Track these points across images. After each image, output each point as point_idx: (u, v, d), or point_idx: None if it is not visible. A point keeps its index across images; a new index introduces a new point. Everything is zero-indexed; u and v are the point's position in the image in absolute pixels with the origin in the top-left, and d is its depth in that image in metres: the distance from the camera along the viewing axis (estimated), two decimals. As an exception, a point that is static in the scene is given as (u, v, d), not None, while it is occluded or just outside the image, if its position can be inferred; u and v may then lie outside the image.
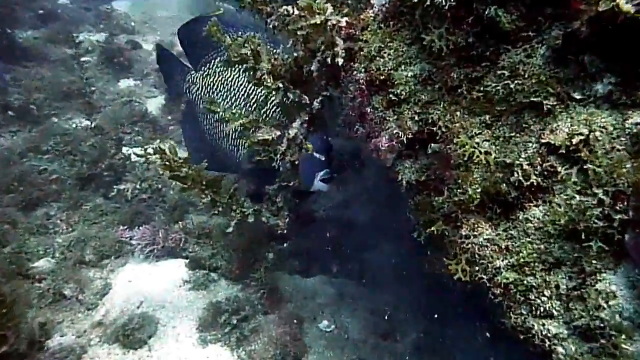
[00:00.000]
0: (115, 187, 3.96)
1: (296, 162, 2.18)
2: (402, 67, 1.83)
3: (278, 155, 2.18)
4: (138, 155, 2.30)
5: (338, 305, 3.32)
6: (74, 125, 4.79)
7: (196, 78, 3.26)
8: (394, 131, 1.99)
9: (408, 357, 2.95)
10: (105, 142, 4.15)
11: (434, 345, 3.04)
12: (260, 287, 3.24)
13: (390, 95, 1.88)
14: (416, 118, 1.85)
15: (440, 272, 1.81)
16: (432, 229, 1.78)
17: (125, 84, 5.94)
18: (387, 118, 2.04)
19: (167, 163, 2.26)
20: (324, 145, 2.65)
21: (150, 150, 2.17)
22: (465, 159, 1.60)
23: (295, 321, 3.13)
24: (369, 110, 2.08)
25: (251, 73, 2.09)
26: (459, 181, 1.68)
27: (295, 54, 2.09)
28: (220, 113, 2.15)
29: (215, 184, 2.40)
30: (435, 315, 3.03)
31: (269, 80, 2.09)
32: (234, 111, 2.18)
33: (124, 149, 4.35)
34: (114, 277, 3.43)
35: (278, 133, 2.20)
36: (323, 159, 2.64)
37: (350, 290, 3.45)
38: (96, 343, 2.96)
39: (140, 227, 3.56)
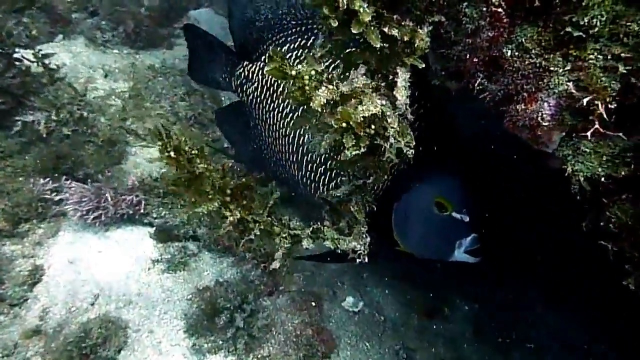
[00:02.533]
0: (17, 118, 2.78)
1: (409, 149, 1.31)
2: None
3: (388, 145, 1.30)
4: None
5: (359, 271, 2.63)
6: None
7: (253, 72, 2.30)
8: (568, 91, 1.20)
9: (467, 344, 2.38)
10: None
11: (497, 321, 2.49)
12: (260, 259, 2.45)
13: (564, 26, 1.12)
14: (621, 69, 1.08)
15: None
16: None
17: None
18: (553, 67, 1.24)
19: (172, 154, 1.32)
20: (464, 194, 1.77)
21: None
22: None
23: (313, 303, 2.41)
24: (508, 54, 1.27)
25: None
26: None
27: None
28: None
29: (245, 193, 1.52)
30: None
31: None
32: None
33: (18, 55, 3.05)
34: (44, 255, 2.47)
35: (383, 102, 1.30)
36: (467, 219, 1.73)
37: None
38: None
39: (72, 184, 2.52)
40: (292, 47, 2.11)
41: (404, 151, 1.32)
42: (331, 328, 2.39)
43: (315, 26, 2.08)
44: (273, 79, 2.16)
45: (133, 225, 2.56)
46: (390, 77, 1.32)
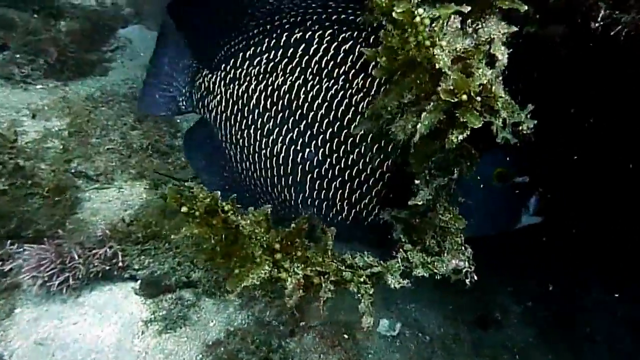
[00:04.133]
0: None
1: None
2: None
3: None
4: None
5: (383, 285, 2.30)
6: None
7: (215, 83, 1.90)
8: None
9: (534, 349, 2.11)
10: None
11: (556, 316, 2.23)
12: (274, 296, 2.08)
13: None
14: None
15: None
16: None
17: None
18: None
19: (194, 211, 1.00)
20: (519, 158, 1.62)
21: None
22: None
23: (345, 335, 2.06)
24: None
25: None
26: None
27: None
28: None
29: (297, 242, 1.20)
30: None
31: None
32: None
33: None
34: (4, 338, 1.97)
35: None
36: (527, 179, 1.62)
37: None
38: None
39: (22, 247, 2.05)
40: (256, 50, 1.75)
41: (522, 127, 1.02)
42: (369, 360, 2.05)
43: (284, 20, 1.72)
44: (244, 85, 1.79)
45: (111, 284, 2.11)
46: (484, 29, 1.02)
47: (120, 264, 2.06)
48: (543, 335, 2.22)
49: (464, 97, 0.99)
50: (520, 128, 1.02)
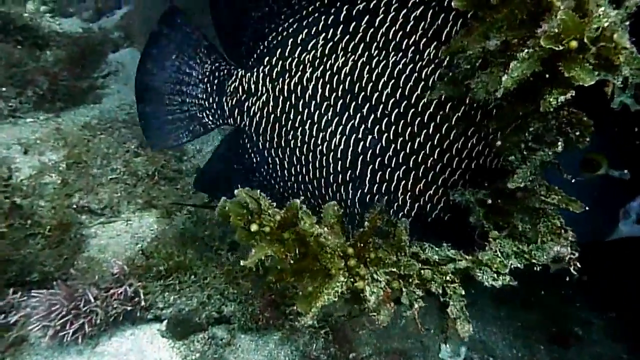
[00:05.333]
0: None
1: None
2: None
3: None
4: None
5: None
6: None
7: (258, 82, 1.65)
8: None
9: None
10: None
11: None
12: (319, 325, 1.85)
13: None
14: None
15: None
16: None
17: None
18: None
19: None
20: (620, 144, 1.31)
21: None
22: None
23: (402, 363, 1.84)
24: None
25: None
26: None
27: None
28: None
29: (369, 243, 1.00)
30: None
31: None
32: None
33: None
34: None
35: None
36: (628, 174, 1.28)
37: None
38: None
39: (29, 294, 1.81)
40: (311, 32, 1.55)
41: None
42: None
43: None
44: (297, 76, 1.56)
45: (133, 327, 1.87)
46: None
47: (142, 303, 1.82)
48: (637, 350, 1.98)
49: (573, 43, 0.79)
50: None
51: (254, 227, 0.90)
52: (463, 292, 1.08)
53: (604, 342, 2.02)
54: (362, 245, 1.05)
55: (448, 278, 1.10)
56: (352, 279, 1.03)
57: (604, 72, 0.83)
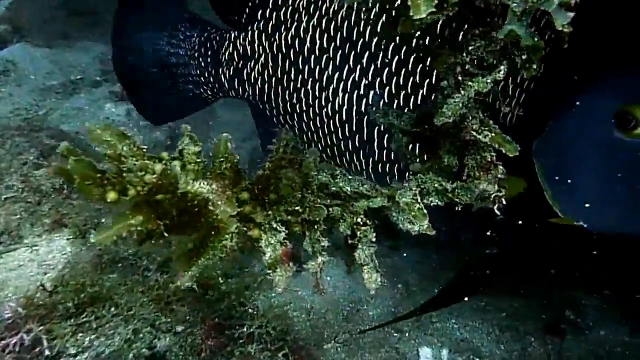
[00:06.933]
0: None
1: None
2: None
3: None
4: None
5: (409, 298, 1.84)
6: None
7: (254, 40, 1.53)
8: None
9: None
10: None
11: None
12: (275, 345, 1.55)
13: None
14: None
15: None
16: None
17: None
18: None
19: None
20: None
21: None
22: None
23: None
24: None
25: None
26: None
27: None
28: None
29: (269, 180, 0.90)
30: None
31: None
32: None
33: None
34: None
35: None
36: None
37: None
38: None
39: None
40: None
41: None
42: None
43: None
44: (294, 28, 1.39)
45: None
46: None
47: (46, 352, 1.45)
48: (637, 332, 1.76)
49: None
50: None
51: (111, 196, 0.70)
52: (374, 238, 0.93)
53: (601, 325, 1.77)
54: (260, 187, 0.86)
55: (359, 220, 0.92)
56: (245, 228, 0.83)
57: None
